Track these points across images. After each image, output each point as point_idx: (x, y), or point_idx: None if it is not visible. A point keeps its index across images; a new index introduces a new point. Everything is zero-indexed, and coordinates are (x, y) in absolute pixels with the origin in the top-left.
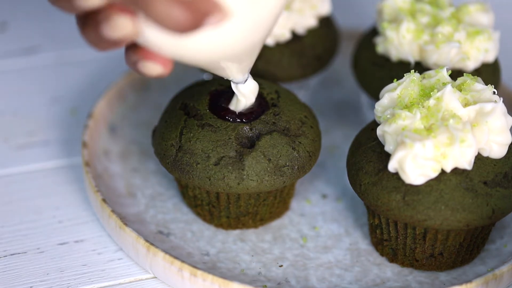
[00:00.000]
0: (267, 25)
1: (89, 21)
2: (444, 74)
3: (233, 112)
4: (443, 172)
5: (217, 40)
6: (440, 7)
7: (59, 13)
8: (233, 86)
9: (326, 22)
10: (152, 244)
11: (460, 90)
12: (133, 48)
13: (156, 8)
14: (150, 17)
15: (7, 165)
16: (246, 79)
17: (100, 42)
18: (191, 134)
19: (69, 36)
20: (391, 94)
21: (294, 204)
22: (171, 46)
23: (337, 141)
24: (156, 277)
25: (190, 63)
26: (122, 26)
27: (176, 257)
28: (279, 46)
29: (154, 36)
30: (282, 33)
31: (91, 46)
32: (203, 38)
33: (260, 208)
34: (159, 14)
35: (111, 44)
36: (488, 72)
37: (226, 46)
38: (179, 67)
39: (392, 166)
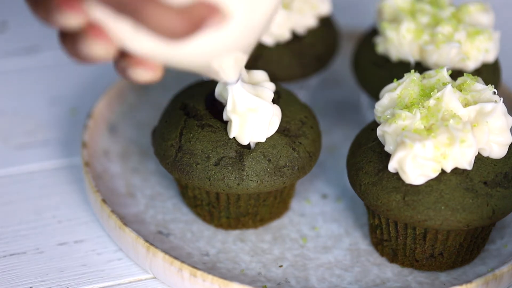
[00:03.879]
0: (263, 25)
1: (67, 34)
2: (444, 74)
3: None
4: (443, 172)
5: (214, 44)
6: (440, 7)
7: None
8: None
9: (326, 22)
10: (152, 244)
11: (460, 90)
12: (122, 55)
13: (149, 16)
14: (142, 25)
15: (7, 165)
16: (238, 79)
17: (77, 56)
18: (191, 135)
19: None
20: (391, 94)
21: (294, 204)
22: (164, 53)
23: (337, 141)
24: (156, 277)
25: (182, 68)
26: (97, 49)
27: (176, 257)
28: (279, 46)
29: (145, 45)
30: (282, 33)
31: (69, 56)
32: (199, 43)
33: (260, 209)
34: (153, 22)
35: (87, 59)
36: (489, 72)
37: (222, 49)
38: None
39: (392, 166)
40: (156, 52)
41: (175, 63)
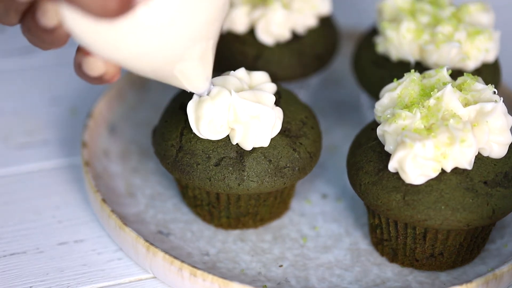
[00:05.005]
0: (205, 11)
1: (28, 18)
2: (444, 74)
3: None
4: (443, 172)
5: (147, 24)
6: (441, 6)
7: None
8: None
9: (326, 22)
10: (152, 244)
11: (461, 90)
12: (77, 51)
13: None
14: (74, 3)
15: (7, 165)
16: (210, 90)
17: (42, 33)
18: (192, 135)
19: None
20: (391, 93)
21: (294, 204)
22: (102, 39)
23: (337, 141)
24: (156, 277)
25: (132, 66)
26: (50, 11)
27: (176, 257)
28: (279, 46)
29: (79, 27)
30: (282, 33)
31: (37, 45)
32: (132, 24)
33: (260, 209)
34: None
35: (49, 33)
36: (489, 72)
37: (163, 31)
38: None
39: (392, 166)
40: (92, 37)
41: (118, 51)
